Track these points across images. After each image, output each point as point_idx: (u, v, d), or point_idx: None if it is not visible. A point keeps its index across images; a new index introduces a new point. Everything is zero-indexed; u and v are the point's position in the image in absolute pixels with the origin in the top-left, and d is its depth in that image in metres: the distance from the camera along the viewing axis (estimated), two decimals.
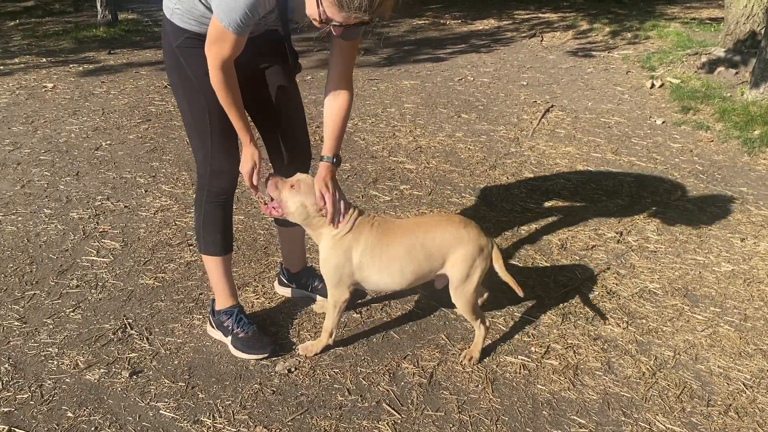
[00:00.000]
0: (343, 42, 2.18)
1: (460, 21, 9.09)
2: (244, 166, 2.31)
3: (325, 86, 2.35)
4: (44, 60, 6.78)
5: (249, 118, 2.33)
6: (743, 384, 2.42)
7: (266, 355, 2.45)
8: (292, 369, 2.42)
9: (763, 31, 5.49)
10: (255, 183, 2.33)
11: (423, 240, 2.34)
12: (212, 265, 2.54)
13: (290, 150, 2.51)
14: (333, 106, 2.31)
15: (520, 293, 2.49)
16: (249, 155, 2.29)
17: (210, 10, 2.09)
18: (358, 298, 2.84)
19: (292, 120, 2.49)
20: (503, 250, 3.27)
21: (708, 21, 8.28)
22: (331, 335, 2.49)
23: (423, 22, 9.05)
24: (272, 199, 2.35)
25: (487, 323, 2.47)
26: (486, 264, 2.38)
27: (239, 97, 2.20)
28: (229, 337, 2.52)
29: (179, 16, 2.18)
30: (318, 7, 1.88)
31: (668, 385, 2.41)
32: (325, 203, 2.29)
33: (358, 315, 2.75)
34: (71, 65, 6.61)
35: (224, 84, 2.12)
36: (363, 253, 2.33)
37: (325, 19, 1.90)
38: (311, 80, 6.05)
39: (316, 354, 2.50)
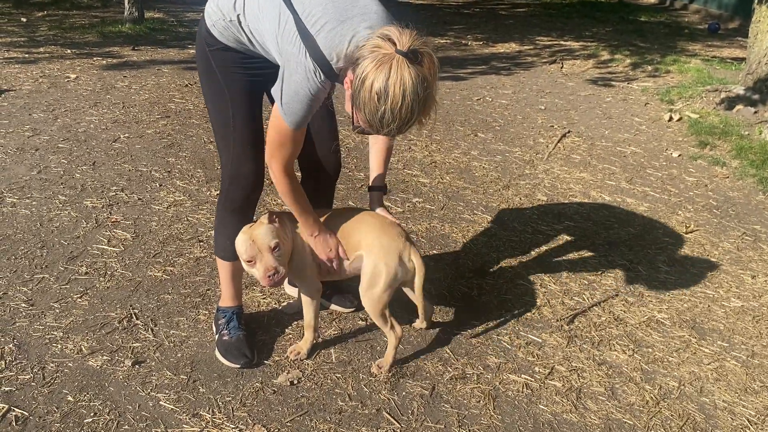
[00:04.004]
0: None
1: (482, 43, 9.15)
2: (323, 254, 2.37)
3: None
4: (69, 51, 6.86)
5: None
6: (747, 420, 2.39)
7: (238, 366, 2.41)
8: (295, 381, 2.37)
9: None
10: (336, 268, 2.41)
11: (345, 218, 2.40)
12: (220, 267, 2.53)
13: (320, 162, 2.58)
14: (373, 149, 2.44)
15: (421, 324, 2.68)
16: (325, 243, 2.36)
17: (250, 42, 2.10)
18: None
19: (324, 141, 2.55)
20: (512, 268, 3.26)
21: (729, 60, 8.29)
22: (315, 330, 2.49)
23: (445, 41, 9.11)
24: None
25: (399, 331, 2.40)
26: (393, 274, 2.31)
27: (304, 199, 2.26)
28: (217, 336, 2.53)
29: (219, 31, 2.14)
30: (352, 114, 1.91)
31: (671, 415, 2.38)
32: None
33: (363, 322, 2.74)
34: (95, 58, 6.69)
35: (290, 190, 2.19)
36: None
37: (356, 124, 1.93)
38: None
39: (308, 352, 2.50)
